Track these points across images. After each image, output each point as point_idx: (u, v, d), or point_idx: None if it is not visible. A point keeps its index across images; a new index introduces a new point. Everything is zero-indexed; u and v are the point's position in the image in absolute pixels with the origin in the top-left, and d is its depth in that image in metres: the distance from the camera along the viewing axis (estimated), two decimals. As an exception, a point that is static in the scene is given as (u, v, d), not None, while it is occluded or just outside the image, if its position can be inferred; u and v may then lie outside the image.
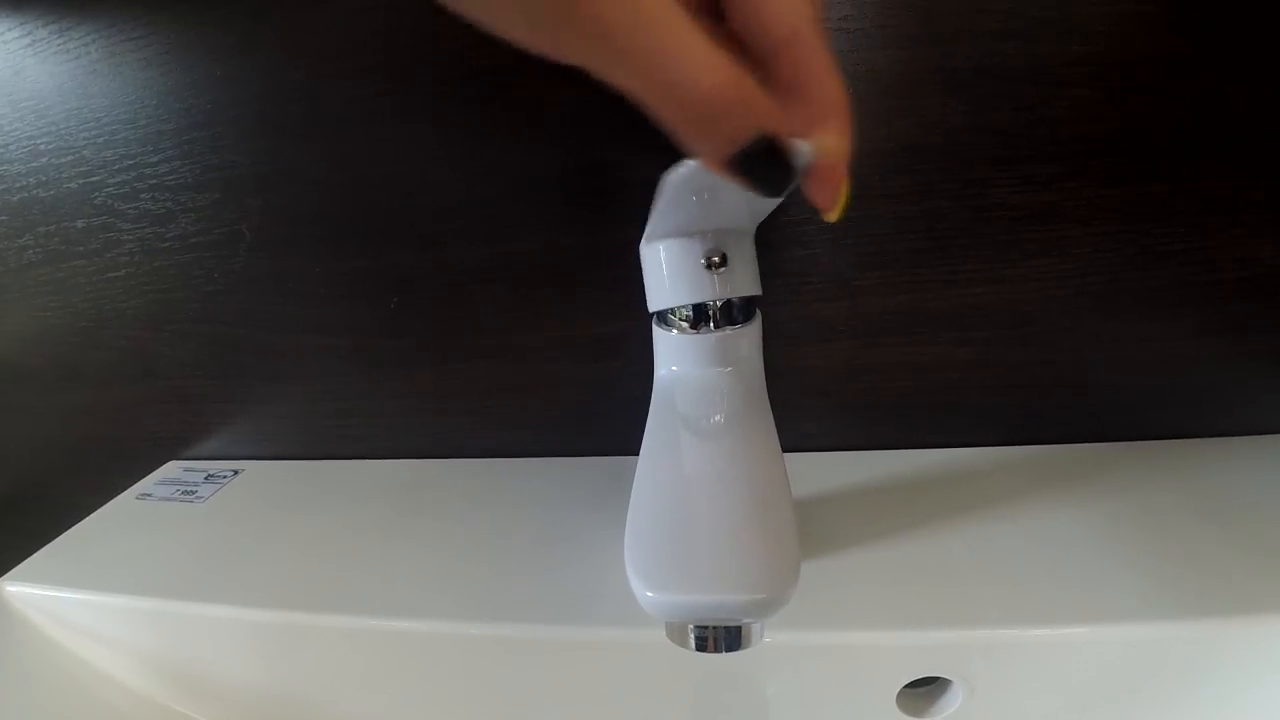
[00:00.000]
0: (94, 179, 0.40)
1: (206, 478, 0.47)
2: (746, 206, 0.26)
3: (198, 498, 0.44)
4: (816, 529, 0.34)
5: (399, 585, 0.34)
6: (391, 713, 0.35)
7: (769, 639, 0.29)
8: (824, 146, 0.19)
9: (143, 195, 0.40)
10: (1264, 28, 0.29)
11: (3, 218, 0.43)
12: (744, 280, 0.28)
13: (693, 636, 0.22)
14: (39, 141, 0.40)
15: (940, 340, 0.37)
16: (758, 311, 0.30)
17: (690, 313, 0.28)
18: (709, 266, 0.27)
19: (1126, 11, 0.30)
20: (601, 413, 0.42)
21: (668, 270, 0.28)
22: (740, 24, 0.20)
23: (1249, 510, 0.33)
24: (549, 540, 0.36)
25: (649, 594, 0.20)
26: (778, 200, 0.26)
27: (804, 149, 0.19)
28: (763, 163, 0.19)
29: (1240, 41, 0.30)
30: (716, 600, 0.20)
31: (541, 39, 0.17)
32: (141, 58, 0.36)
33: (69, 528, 0.43)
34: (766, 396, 0.29)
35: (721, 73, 0.17)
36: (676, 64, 0.17)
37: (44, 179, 0.41)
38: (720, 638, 0.21)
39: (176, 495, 0.45)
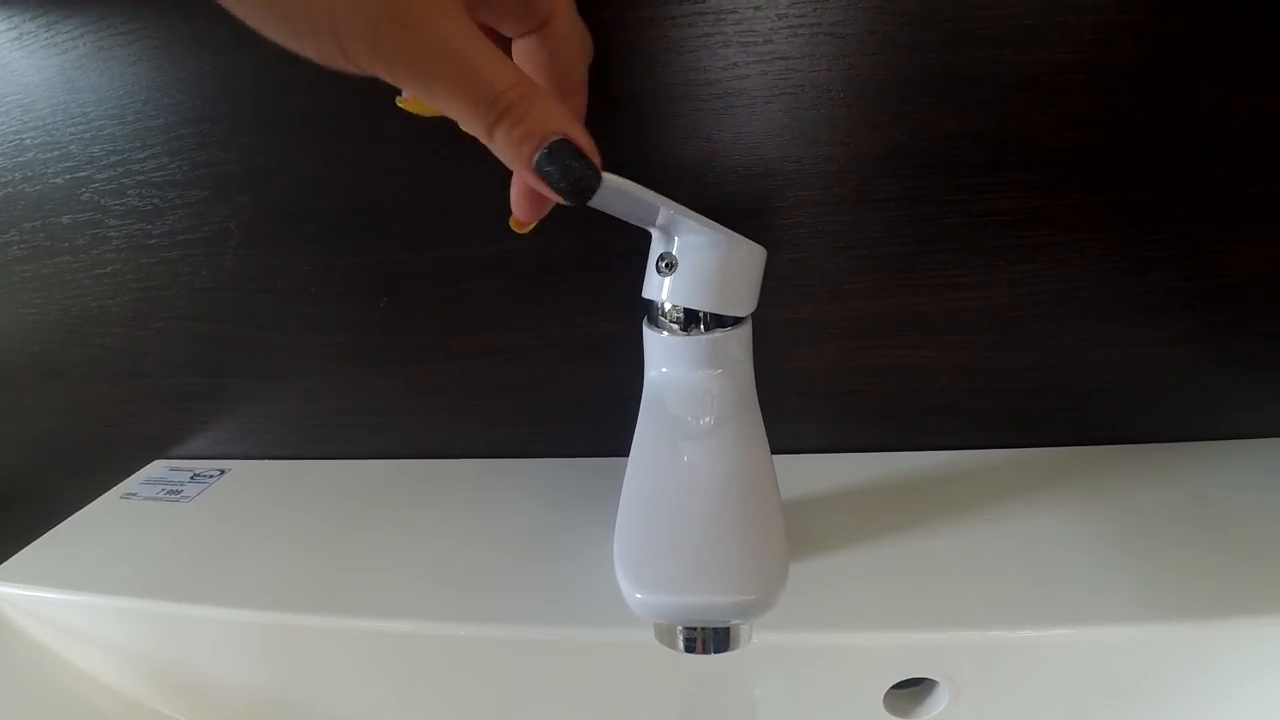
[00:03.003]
0: (81, 175, 0.40)
1: (192, 477, 0.46)
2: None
3: (184, 497, 0.44)
4: (805, 530, 0.35)
5: (387, 586, 0.34)
6: (380, 713, 0.35)
7: (757, 640, 0.29)
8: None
9: (130, 191, 0.40)
10: (1250, 38, 0.30)
11: (-13, 213, 0.42)
12: (699, 291, 0.28)
13: (681, 638, 0.22)
14: (25, 136, 0.39)
15: (930, 344, 0.37)
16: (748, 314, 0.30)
17: (680, 314, 0.29)
18: (666, 267, 0.28)
19: (1116, 21, 0.30)
20: (592, 413, 0.42)
21: (649, 262, 0.29)
22: None
23: (1234, 513, 0.33)
24: (539, 541, 0.36)
25: (637, 595, 0.20)
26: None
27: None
28: (563, 164, 0.20)
29: (1226, 51, 0.30)
30: (704, 601, 0.20)
31: (347, 57, 0.19)
32: (130, 52, 0.36)
33: (52, 527, 0.42)
34: (756, 399, 0.29)
35: (515, 75, 0.19)
36: (476, 69, 0.19)
37: (30, 174, 0.40)
38: (709, 639, 0.21)
39: (162, 495, 0.45)
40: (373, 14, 0.17)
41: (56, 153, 0.39)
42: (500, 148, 0.20)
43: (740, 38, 0.31)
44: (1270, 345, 0.36)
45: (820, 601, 0.30)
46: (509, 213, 0.28)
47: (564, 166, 0.20)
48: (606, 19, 0.31)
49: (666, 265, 0.28)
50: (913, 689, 0.32)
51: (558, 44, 0.24)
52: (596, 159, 0.21)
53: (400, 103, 0.24)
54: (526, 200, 0.26)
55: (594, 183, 0.21)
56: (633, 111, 0.33)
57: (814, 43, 0.31)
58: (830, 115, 0.33)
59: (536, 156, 0.20)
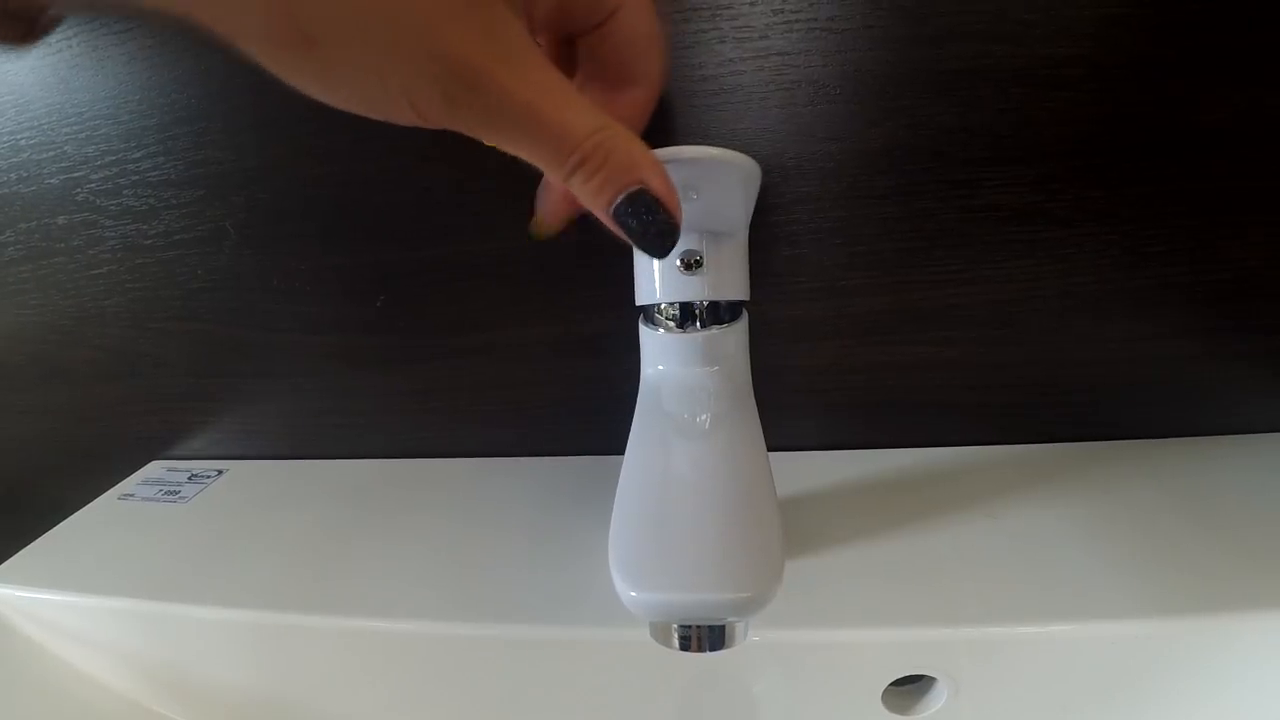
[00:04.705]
0: (76, 175, 0.40)
1: (190, 477, 0.46)
2: (727, 208, 0.26)
3: (181, 498, 0.44)
4: (802, 528, 0.34)
5: (384, 585, 0.34)
6: (376, 713, 0.35)
7: (756, 638, 0.29)
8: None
9: (125, 191, 0.40)
10: (1248, 31, 0.30)
11: (-17, 214, 0.42)
12: (725, 283, 0.28)
13: (677, 636, 0.22)
14: (20, 137, 0.39)
15: (927, 340, 0.37)
16: (744, 311, 0.30)
17: (677, 311, 0.28)
18: (686, 268, 0.27)
19: (1112, 15, 0.30)
20: (588, 411, 0.42)
21: (648, 267, 0.28)
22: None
23: (1231, 508, 0.33)
24: (535, 540, 0.36)
25: (632, 593, 0.20)
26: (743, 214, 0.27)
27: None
28: (642, 217, 0.20)
29: (1224, 44, 0.30)
30: (699, 599, 0.20)
31: (428, 121, 0.19)
32: (124, 52, 0.36)
33: (50, 529, 0.42)
34: (753, 396, 0.29)
35: (591, 120, 0.19)
36: (550, 120, 0.18)
37: (25, 175, 0.40)
38: (704, 637, 0.21)
39: (159, 495, 0.44)
40: (444, 83, 0.17)
41: (51, 153, 0.39)
42: (579, 196, 0.20)
43: (736, 33, 0.31)
44: (1270, 340, 0.36)
45: (818, 599, 0.30)
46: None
47: (642, 220, 0.20)
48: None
49: (687, 265, 0.27)
50: (911, 686, 0.31)
51: (626, 35, 0.23)
52: (675, 205, 0.20)
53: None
54: (558, 209, 0.25)
55: (672, 234, 0.20)
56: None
57: (810, 38, 0.31)
58: (827, 111, 0.33)
59: (614, 207, 0.20)
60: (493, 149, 0.21)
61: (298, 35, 0.17)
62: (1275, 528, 0.32)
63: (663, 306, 0.29)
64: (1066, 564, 0.31)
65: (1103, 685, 0.29)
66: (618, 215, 0.20)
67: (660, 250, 0.21)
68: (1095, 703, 0.30)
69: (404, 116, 0.19)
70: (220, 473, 0.46)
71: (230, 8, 0.17)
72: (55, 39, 0.36)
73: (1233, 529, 0.32)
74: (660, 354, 0.30)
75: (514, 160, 0.25)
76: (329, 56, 0.17)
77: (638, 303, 0.29)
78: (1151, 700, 0.29)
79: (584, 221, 0.37)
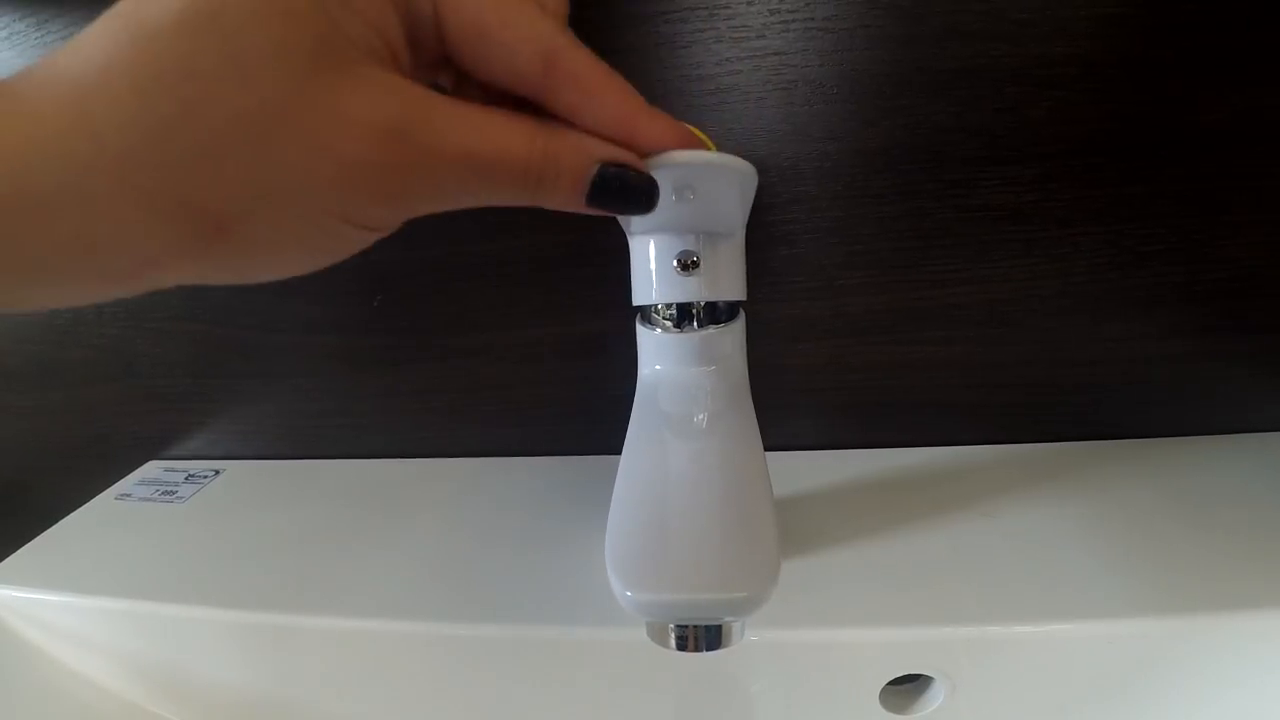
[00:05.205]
0: (72, 174, 0.39)
1: (187, 478, 0.46)
2: (724, 210, 0.26)
3: (178, 498, 0.44)
4: (800, 527, 0.34)
5: (381, 586, 0.34)
6: (374, 713, 0.35)
7: (754, 637, 0.29)
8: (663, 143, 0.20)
9: (122, 191, 0.39)
10: (1244, 31, 0.30)
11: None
12: (722, 284, 0.28)
13: (673, 636, 0.22)
14: (16, 136, 0.39)
15: (923, 339, 0.37)
16: (741, 310, 0.30)
17: (674, 312, 0.28)
18: (682, 268, 0.27)
19: (1108, 14, 0.30)
20: (586, 411, 0.42)
21: (645, 268, 0.28)
22: (490, 74, 0.19)
23: (1227, 508, 0.33)
24: (532, 540, 0.36)
25: (628, 593, 0.20)
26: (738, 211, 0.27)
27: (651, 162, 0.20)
28: (617, 185, 0.19)
29: (1221, 45, 0.30)
30: (695, 599, 0.20)
31: (384, 216, 0.19)
32: (121, 52, 0.36)
33: (47, 529, 0.42)
34: (749, 395, 0.29)
35: (518, 131, 0.18)
36: (485, 155, 0.18)
37: (21, 174, 0.40)
38: (700, 637, 0.21)
39: (156, 495, 0.44)
40: (376, 187, 0.17)
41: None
42: (555, 207, 0.20)
43: (733, 33, 0.31)
44: (1265, 339, 0.36)
45: (816, 598, 0.30)
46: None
47: (617, 192, 0.20)
48: (597, 16, 0.31)
49: (684, 266, 0.27)
50: (909, 685, 0.31)
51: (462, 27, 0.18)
52: (635, 160, 0.20)
53: None
54: None
55: (650, 187, 0.20)
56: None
57: (807, 38, 0.31)
58: (824, 111, 0.33)
59: (588, 198, 0.19)
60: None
61: (208, 225, 0.16)
62: (1273, 528, 0.32)
63: (659, 307, 0.29)
64: (1064, 563, 0.31)
65: (1100, 685, 0.29)
66: (595, 202, 0.20)
67: (648, 205, 0.20)
68: (1093, 702, 0.30)
69: (359, 241, 0.19)
70: (217, 473, 0.46)
71: (119, 247, 0.15)
72: (51, 37, 0.36)
73: (1231, 529, 0.32)
74: (657, 354, 0.30)
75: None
76: (247, 234, 0.16)
77: (634, 303, 0.29)
78: (1149, 700, 0.29)
79: (579, 222, 0.37)
